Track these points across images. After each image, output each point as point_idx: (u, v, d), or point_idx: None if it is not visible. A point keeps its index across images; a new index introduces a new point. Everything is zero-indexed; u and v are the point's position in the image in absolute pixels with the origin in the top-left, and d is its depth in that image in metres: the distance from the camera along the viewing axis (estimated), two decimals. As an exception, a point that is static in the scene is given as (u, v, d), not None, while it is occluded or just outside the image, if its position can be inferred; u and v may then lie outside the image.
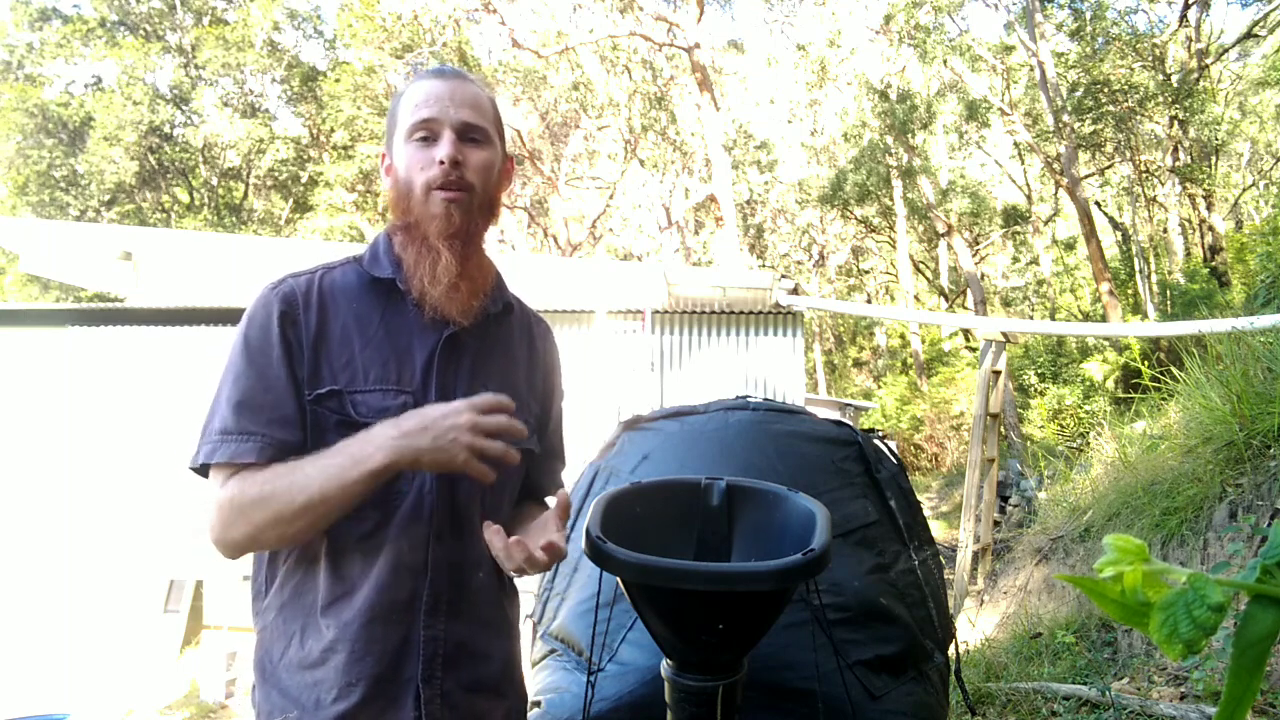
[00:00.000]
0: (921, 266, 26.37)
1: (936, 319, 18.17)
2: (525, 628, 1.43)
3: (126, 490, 6.90)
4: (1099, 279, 14.34)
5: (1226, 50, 16.32)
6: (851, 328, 30.00)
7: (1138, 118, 15.53)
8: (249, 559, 1.12)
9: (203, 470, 1.06)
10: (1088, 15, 15.63)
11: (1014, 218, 22.10)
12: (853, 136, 21.76)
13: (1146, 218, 17.73)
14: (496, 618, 1.17)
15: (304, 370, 1.06)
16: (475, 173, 1.12)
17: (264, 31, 22.51)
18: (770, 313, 7.15)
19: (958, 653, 1.68)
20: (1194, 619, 0.40)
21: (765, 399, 1.83)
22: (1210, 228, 16.00)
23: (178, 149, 22.26)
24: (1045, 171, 19.04)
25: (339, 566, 1.06)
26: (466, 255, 1.12)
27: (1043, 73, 14.98)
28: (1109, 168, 18.94)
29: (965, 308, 22.11)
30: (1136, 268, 17.38)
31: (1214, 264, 14.79)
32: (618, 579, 1.02)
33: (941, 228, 20.03)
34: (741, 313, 7.19)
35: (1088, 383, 13.91)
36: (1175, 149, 15.38)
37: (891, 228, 23.07)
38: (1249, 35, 15.25)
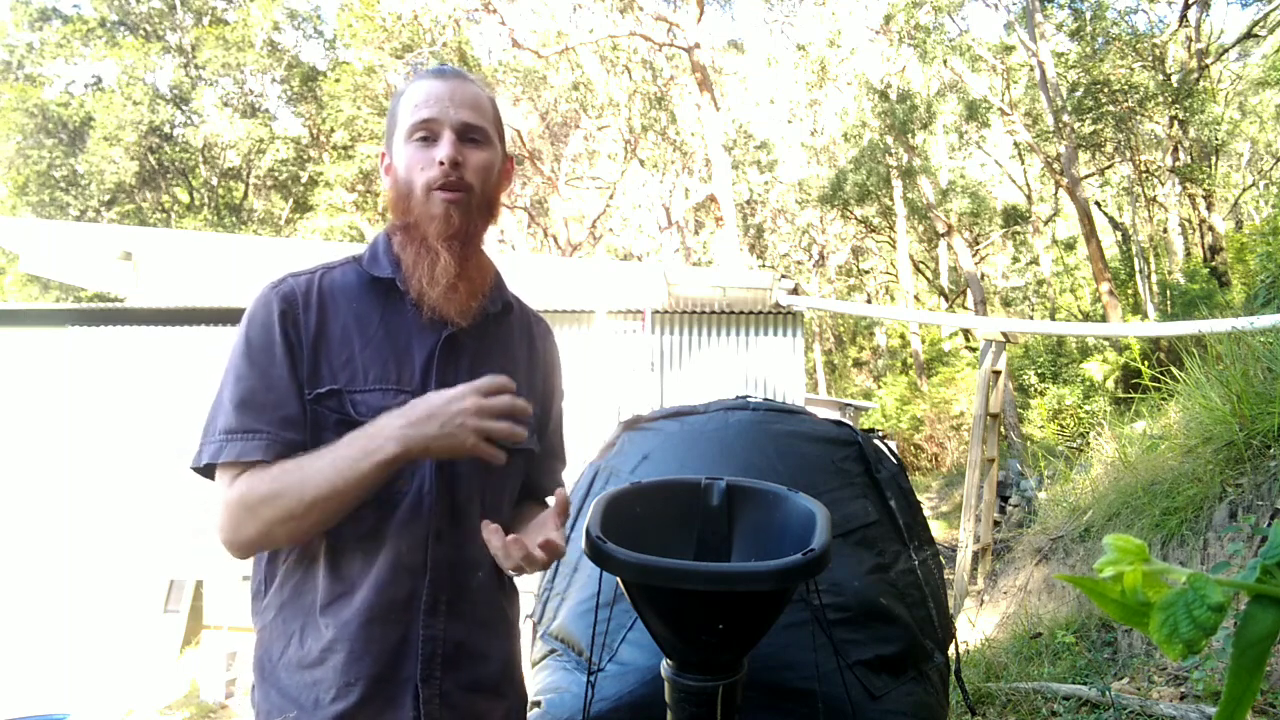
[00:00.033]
0: (921, 266, 26.37)
1: (936, 319, 18.16)
2: (525, 628, 1.43)
3: (126, 490, 6.90)
4: (1099, 279, 14.34)
5: (1226, 50, 16.32)
6: (851, 328, 30.01)
7: (1138, 118, 15.53)
8: (249, 558, 1.12)
9: (205, 471, 1.06)
10: (1088, 15, 15.63)
11: (1014, 218, 22.11)
12: (853, 136, 21.76)
13: (1146, 218, 17.73)
14: (496, 618, 1.17)
15: (304, 370, 1.07)
16: (475, 173, 1.12)
17: (264, 31, 22.51)
18: (770, 313, 7.15)
19: (958, 653, 1.68)
20: (1194, 619, 0.40)
21: (765, 399, 1.82)
22: (1210, 228, 16.00)
23: (178, 149, 22.26)
24: (1045, 171, 19.05)
25: (338, 566, 1.06)
26: (465, 256, 1.12)
27: (1043, 73, 14.98)
28: (1109, 168, 18.94)
29: (965, 308, 22.11)
30: (1136, 268, 17.38)
31: (1214, 264, 14.79)
32: (618, 579, 1.02)
33: (941, 228, 20.04)
34: (741, 313, 7.19)
35: (1088, 383, 13.92)
36: (1175, 149, 15.38)
37: (891, 228, 23.07)
38: (1249, 35, 15.25)
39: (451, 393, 1.00)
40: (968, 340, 19.48)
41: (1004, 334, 7.05)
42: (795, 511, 1.13)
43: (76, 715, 5.02)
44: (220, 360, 1.09)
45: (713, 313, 7.23)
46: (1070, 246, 23.66)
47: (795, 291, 7.33)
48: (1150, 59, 15.09)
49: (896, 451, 4.60)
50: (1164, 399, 5.84)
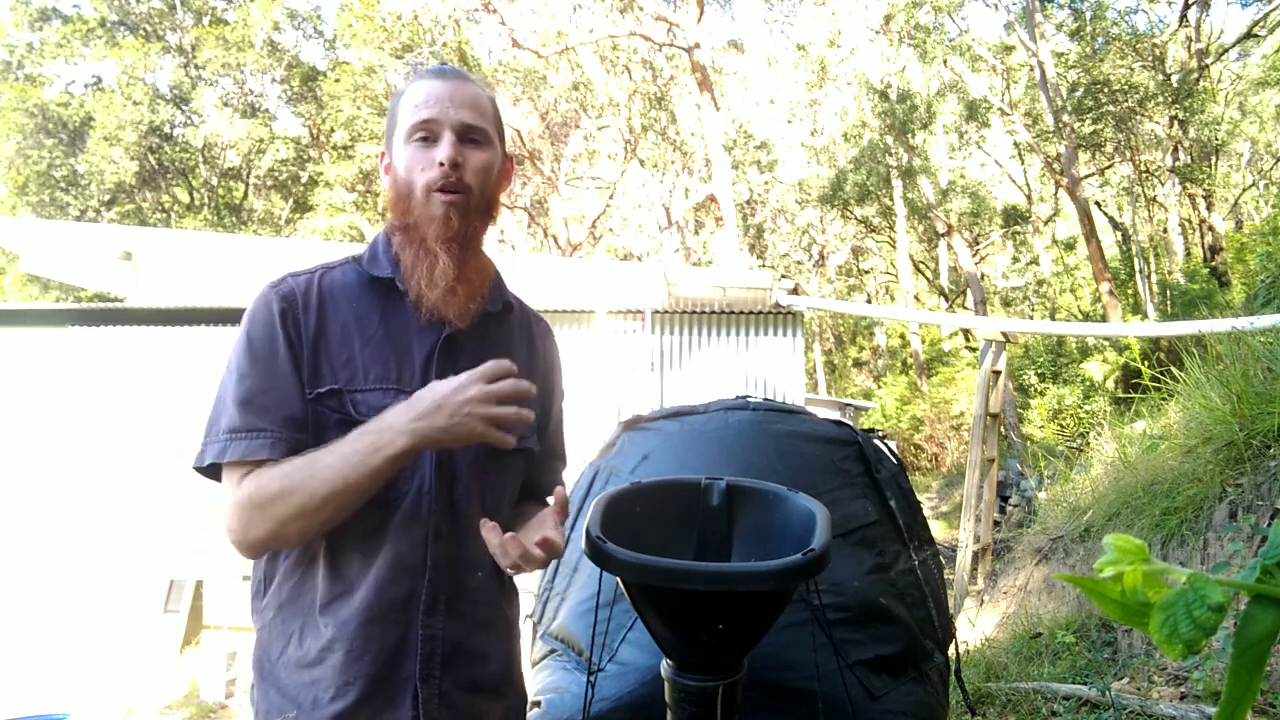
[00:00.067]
0: (921, 266, 26.37)
1: (936, 319, 18.17)
2: (525, 628, 1.43)
3: (126, 490, 6.90)
4: (1099, 279, 14.34)
5: (1226, 50, 16.32)
6: (851, 328, 30.01)
7: (1138, 118, 15.53)
8: (258, 558, 1.12)
9: (208, 470, 1.06)
10: (1088, 15, 15.63)
11: (1014, 218, 22.11)
12: (853, 136, 21.76)
13: (1146, 218, 17.73)
14: (495, 618, 1.17)
15: (305, 369, 1.07)
16: (475, 174, 1.12)
17: (264, 31, 22.51)
18: (770, 313, 7.15)
19: (958, 653, 1.68)
20: (1194, 619, 0.40)
21: (765, 399, 1.83)
22: (1210, 228, 16.00)
23: (178, 149, 22.26)
24: (1045, 171, 19.05)
25: (337, 566, 1.06)
26: (464, 258, 1.12)
27: (1043, 73, 14.98)
28: (1109, 168, 18.94)
29: (965, 308, 22.11)
30: (1136, 268, 17.38)
31: (1214, 264, 14.79)
32: (618, 579, 1.02)
33: (941, 228, 20.04)
34: (741, 313, 7.19)
35: (1088, 383, 13.92)
36: (1175, 149, 15.38)
37: (891, 228, 23.07)
38: (1249, 35, 15.25)
39: (456, 382, 1.00)
40: (968, 340, 19.48)
41: (1004, 334, 7.05)
42: (795, 511, 1.13)
43: (76, 715, 5.02)
44: (220, 360, 1.09)
45: (713, 313, 7.23)
46: (1070, 246, 23.66)
47: (795, 291, 7.33)
48: (1150, 59, 15.09)
49: (896, 451, 4.60)
50: (1164, 399, 5.84)
